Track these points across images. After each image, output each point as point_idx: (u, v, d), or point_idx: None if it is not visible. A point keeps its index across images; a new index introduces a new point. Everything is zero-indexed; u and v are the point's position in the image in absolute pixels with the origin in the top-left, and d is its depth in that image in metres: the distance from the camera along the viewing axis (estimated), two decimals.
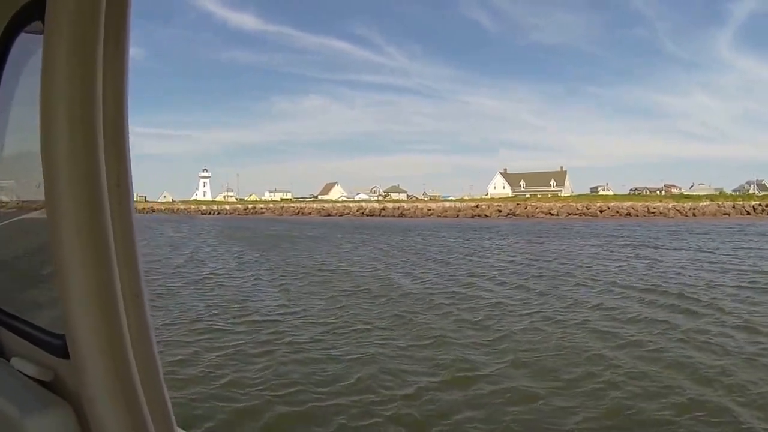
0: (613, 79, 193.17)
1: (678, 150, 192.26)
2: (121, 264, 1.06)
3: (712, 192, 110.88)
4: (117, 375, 1.09)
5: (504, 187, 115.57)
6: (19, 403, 1.22)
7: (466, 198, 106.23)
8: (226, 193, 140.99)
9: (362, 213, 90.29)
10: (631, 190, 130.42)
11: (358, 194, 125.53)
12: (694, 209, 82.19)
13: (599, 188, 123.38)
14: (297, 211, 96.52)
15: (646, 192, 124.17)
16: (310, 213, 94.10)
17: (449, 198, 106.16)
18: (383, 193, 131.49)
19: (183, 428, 1.35)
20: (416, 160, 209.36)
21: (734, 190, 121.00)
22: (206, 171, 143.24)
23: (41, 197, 1.09)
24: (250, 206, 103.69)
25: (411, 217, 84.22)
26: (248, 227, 52.99)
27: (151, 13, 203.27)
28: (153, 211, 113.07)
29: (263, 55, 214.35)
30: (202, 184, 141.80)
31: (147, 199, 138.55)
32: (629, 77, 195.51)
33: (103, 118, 1.02)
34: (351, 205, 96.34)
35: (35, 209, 1.63)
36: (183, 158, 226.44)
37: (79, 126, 0.99)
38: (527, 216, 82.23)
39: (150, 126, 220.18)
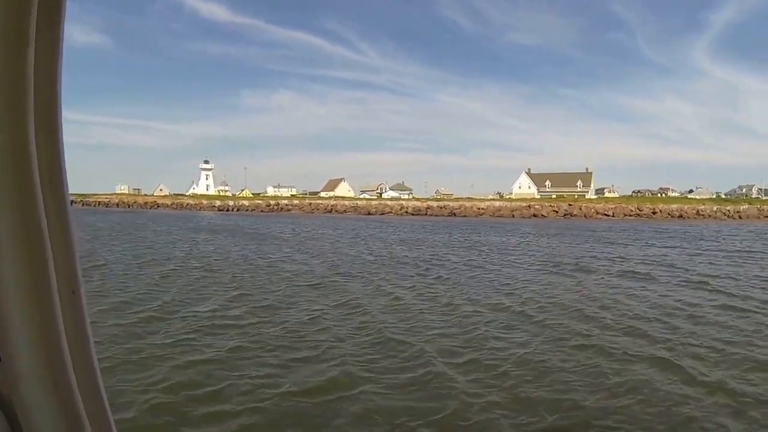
0: (588, 81, 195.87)
1: (653, 154, 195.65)
2: (57, 260, 0.99)
3: (711, 196, 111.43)
4: (52, 378, 1.00)
5: (529, 187, 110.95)
6: None
7: (477, 197, 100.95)
8: (221, 188, 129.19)
9: (405, 211, 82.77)
10: (633, 192, 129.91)
11: (388, 191, 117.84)
12: (738, 212, 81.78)
13: (605, 189, 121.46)
14: (329, 208, 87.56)
15: (648, 194, 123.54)
16: (345, 211, 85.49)
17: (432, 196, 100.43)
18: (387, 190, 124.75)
19: None
20: (393, 158, 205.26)
21: (726, 194, 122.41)
22: (207, 163, 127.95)
23: None
24: (272, 202, 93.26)
25: (463, 216, 77.68)
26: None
27: (120, 0, 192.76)
28: (158, 205, 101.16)
29: (233, 47, 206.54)
30: (204, 177, 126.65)
31: (141, 192, 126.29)
32: (604, 81, 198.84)
33: (33, 104, 0.92)
34: (390, 203, 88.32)
35: None
36: (150, 151, 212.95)
37: (3, 112, 0.89)
38: (585, 217, 78.10)
39: (116, 116, 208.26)
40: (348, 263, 18.14)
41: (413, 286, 13.14)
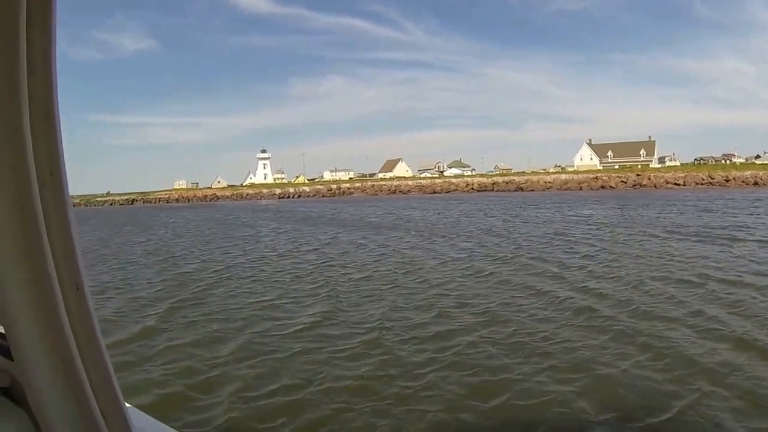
0: (639, 45, 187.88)
1: (713, 118, 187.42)
2: (58, 255, 0.99)
3: None
4: (64, 375, 1.01)
5: (591, 158, 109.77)
6: None
7: (540, 171, 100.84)
8: (277, 175, 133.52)
9: (471, 188, 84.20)
10: (695, 159, 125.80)
11: (447, 169, 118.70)
12: None
13: (666, 158, 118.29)
14: (393, 189, 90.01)
15: (711, 161, 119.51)
16: (409, 191, 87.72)
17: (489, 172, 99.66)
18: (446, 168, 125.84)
19: None
20: (446, 136, 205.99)
21: None
22: (265, 152, 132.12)
23: None
24: (334, 187, 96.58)
25: (531, 190, 78.44)
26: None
27: (160, 3, 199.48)
28: (217, 197, 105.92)
29: (278, 38, 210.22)
30: (262, 166, 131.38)
31: (199, 185, 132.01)
32: (655, 43, 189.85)
33: (29, 98, 0.91)
34: (454, 180, 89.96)
35: None
36: (205, 145, 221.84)
37: None
38: (654, 186, 77.15)
39: (169, 115, 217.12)
40: (504, 245, 18.14)
41: (607, 264, 13.46)
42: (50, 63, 0.92)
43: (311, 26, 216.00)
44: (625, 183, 79.33)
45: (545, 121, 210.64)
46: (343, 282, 12.54)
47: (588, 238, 19.45)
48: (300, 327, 8.55)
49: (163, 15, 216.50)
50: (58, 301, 0.97)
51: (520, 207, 41.26)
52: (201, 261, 17.70)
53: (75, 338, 1.00)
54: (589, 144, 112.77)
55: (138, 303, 11.04)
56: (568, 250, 16.50)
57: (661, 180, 79.59)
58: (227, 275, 14.33)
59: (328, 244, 21.39)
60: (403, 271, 13.77)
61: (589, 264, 13.74)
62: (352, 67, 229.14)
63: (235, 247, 21.56)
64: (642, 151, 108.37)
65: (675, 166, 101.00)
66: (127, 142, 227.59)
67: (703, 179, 79.78)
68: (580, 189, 77.42)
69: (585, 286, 10.89)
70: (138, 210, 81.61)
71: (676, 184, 78.28)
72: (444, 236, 22.05)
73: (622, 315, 8.57)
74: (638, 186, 77.92)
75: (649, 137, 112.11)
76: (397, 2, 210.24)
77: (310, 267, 15.04)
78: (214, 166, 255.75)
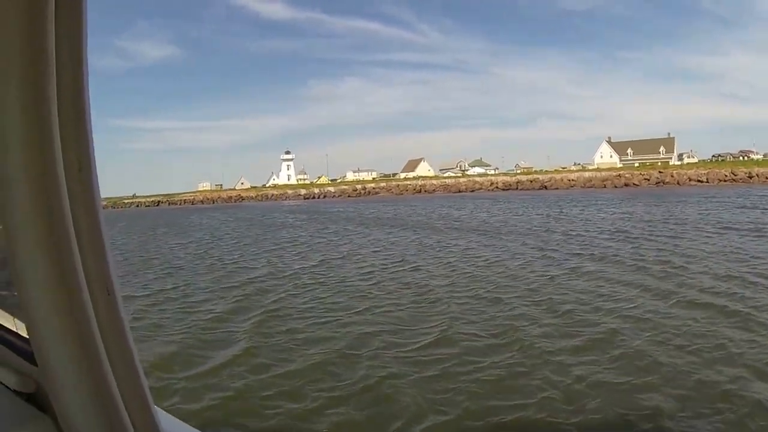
0: (648, 42, 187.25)
1: (727, 114, 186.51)
2: (86, 257, 0.93)
3: None
4: (92, 384, 0.97)
5: (611, 156, 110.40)
6: None
7: (561, 169, 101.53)
8: (299, 176, 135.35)
9: (496, 187, 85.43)
10: (713, 156, 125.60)
11: (469, 168, 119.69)
12: None
13: (684, 155, 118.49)
14: (418, 189, 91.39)
15: (729, 158, 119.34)
16: (434, 190, 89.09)
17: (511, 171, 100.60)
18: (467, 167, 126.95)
19: None
20: (465, 136, 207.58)
21: None
22: (289, 153, 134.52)
23: None
24: (359, 187, 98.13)
25: (555, 188, 79.50)
26: None
27: (183, 12, 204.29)
28: (242, 198, 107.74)
29: (296, 42, 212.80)
30: (286, 167, 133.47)
31: (223, 187, 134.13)
32: (669, 39, 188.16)
33: (57, 91, 0.87)
34: (479, 179, 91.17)
35: None
36: (228, 147, 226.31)
37: (22, 98, 0.86)
38: (678, 184, 77.87)
39: (189, 119, 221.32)
40: (574, 243, 18.18)
41: (690, 261, 13.43)
42: (80, 56, 0.90)
43: (328, 30, 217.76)
44: (648, 180, 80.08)
45: (562, 120, 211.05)
46: (431, 287, 11.55)
47: (651, 236, 19.69)
48: (414, 345, 7.41)
49: (184, 22, 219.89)
50: (86, 304, 0.93)
51: (558, 205, 41.77)
52: (255, 266, 16.58)
53: (104, 344, 0.96)
54: (609, 142, 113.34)
55: (203, 318, 9.90)
56: (641, 247, 16.48)
57: (684, 177, 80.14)
58: (293, 283, 13.07)
59: (390, 245, 20.69)
60: (491, 272, 13.02)
61: (674, 260, 13.78)
62: (369, 68, 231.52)
63: (284, 251, 20.66)
64: (661, 149, 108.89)
65: (694, 162, 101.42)
66: (151, 146, 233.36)
67: (726, 176, 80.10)
68: (604, 187, 78.26)
69: (688, 282, 10.85)
70: (164, 211, 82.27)
71: (699, 181, 78.84)
72: (505, 235, 21.88)
73: (747, 310, 8.44)
74: (661, 183, 78.67)
75: (668, 134, 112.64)
76: (411, 4, 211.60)
77: (382, 271, 14.01)
78: (237, 168, 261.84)
